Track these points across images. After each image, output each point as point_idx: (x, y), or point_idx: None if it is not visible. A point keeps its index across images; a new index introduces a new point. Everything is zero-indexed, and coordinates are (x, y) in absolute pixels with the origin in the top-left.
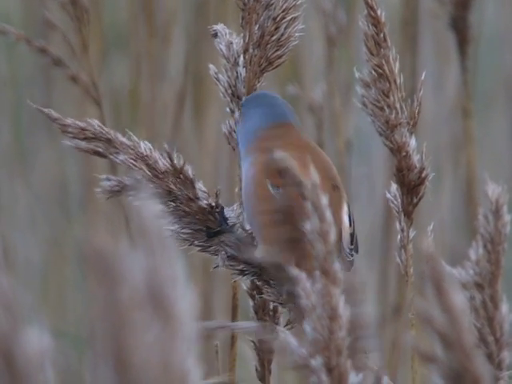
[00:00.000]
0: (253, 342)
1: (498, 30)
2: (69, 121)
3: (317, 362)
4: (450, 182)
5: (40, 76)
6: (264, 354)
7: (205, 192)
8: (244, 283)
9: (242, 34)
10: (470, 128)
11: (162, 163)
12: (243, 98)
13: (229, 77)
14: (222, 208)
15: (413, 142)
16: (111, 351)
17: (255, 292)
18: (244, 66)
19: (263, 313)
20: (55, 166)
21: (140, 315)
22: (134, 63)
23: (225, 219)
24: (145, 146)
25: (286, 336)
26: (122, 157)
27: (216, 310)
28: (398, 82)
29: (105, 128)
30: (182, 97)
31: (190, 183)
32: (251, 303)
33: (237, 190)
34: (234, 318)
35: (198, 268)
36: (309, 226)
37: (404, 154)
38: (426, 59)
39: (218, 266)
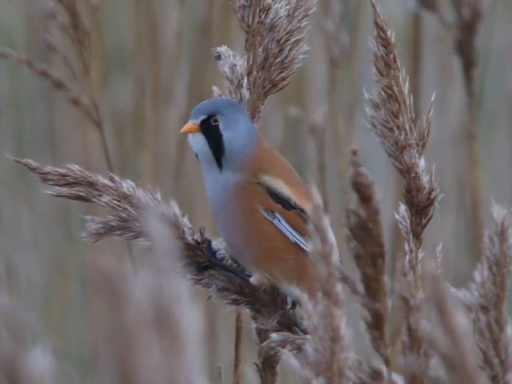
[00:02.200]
0: (255, 363)
1: (499, 53)
2: (48, 168)
3: (319, 382)
4: (453, 203)
5: (42, 98)
6: (267, 377)
7: (190, 228)
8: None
9: (245, 56)
10: (476, 151)
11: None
12: (208, 103)
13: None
14: (209, 242)
15: (422, 164)
16: (117, 372)
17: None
18: (248, 89)
19: (266, 334)
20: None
21: (145, 335)
22: (137, 85)
23: (213, 253)
24: (127, 185)
25: (288, 357)
26: (105, 198)
27: (220, 331)
28: (407, 103)
29: (85, 172)
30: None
31: (174, 220)
32: (254, 325)
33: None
34: (238, 339)
35: (201, 289)
36: (311, 247)
37: (413, 175)
38: (429, 81)
39: (210, 297)
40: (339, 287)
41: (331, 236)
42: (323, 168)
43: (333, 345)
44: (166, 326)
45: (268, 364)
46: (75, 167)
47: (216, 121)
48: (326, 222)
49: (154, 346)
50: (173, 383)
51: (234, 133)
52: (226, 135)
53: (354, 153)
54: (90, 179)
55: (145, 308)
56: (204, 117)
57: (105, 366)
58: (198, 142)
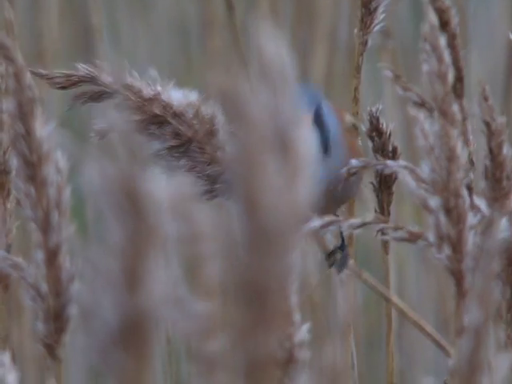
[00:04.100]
0: (372, 183)
1: None
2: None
3: (435, 202)
4: None
5: None
6: (383, 197)
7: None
8: (363, 125)
9: None
10: None
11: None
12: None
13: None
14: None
15: None
16: (241, 194)
17: (374, 134)
18: None
19: (382, 154)
20: (175, 7)
21: (268, 157)
22: None
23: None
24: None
25: (404, 176)
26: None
27: None
28: None
29: (90, 68)
30: None
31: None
32: (370, 144)
33: None
34: None
35: None
36: (427, 67)
37: None
38: None
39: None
40: (456, 107)
41: (447, 56)
42: None
43: (449, 164)
44: (286, 148)
45: (384, 184)
46: (82, 66)
47: None
48: (443, 41)
49: (276, 167)
50: (293, 203)
51: None
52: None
53: None
54: (93, 75)
55: (266, 128)
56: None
57: (230, 188)
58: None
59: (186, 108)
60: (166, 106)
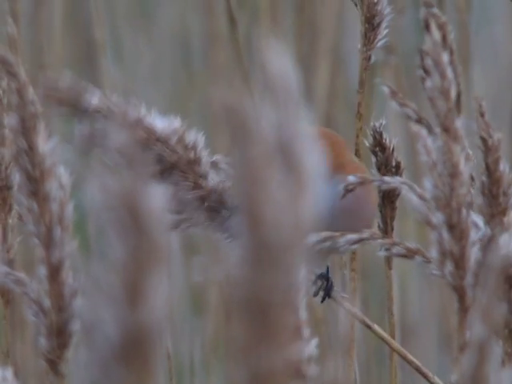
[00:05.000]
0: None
1: None
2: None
3: (438, 218)
4: None
5: None
6: (387, 211)
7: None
8: (367, 140)
9: None
10: None
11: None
12: None
13: None
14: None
15: None
16: (244, 208)
17: (378, 149)
18: None
19: (386, 169)
20: (177, 22)
21: (272, 172)
22: None
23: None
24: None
25: (407, 193)
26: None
27: None
28: None
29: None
30: None
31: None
32: (373, 160)
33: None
34: None
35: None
36: (430, 83)
37: None
38: None
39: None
40: (458, 123)
41: (450, 72)
42: (441, 4)
43: (452, 181)
44: (291, 162)
45: (388, 199)
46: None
47: None
48: (445, 57)
49: (280, 182)
50: (297, 217)
51: None
52: None
53: None
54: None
55: (270, 143)
56: None
57: (233, 203)
58: None
59: (170, 134)
60: (150, 131)
